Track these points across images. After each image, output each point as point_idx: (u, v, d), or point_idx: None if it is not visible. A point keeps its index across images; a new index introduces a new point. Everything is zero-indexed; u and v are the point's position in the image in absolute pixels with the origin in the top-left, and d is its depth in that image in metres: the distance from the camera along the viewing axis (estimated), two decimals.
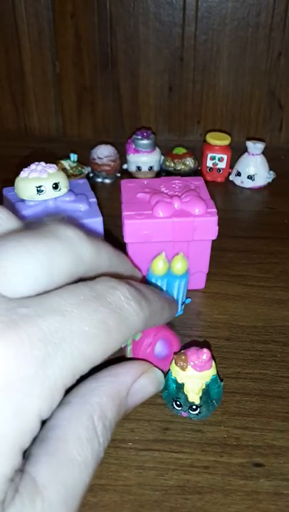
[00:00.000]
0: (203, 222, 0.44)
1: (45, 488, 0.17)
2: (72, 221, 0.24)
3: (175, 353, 0.35)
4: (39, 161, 0.45)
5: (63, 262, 0.20)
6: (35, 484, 0.17)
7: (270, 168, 0.68)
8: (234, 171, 0.69)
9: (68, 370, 0.18)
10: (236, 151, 0.69)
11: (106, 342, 0.19)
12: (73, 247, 0.21)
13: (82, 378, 0.20)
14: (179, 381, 0.34)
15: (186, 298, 0.45)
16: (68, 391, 0.21)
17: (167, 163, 0.68)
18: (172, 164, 0.67)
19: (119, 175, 0.69)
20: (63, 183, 0.44)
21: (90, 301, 0.20)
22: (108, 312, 0.20)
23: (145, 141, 0.67)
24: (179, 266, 0.42)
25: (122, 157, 0.70)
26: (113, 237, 0.50)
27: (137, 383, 0.24)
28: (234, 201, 0.66)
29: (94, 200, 0.46)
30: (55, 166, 0.44)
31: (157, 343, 0.31)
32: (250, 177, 0.67)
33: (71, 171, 0.64)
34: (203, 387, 0.34)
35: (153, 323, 0.24)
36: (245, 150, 0.67)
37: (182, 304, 0.45)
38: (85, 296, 0.20)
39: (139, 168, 0.68)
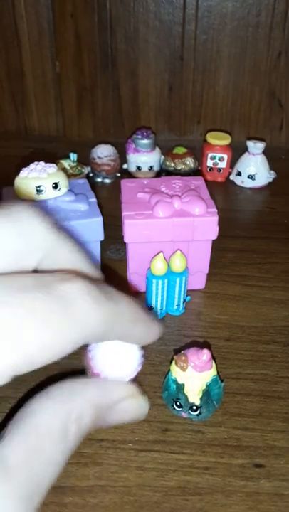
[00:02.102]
0: (203, 222, 0.43)
1: (13, 471, 0.17)
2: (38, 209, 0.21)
3: (175, 354, 0.35)
4: (39, 160, 0.45)
5: (8, 240, 0.18)
6: (5, 464, 0.17)
7: (271, 168, 0.68)
8: (234, 171, 0.69)
9: None
10: (237, 151, 0.68)
11: (47, 339, 0.17)
12: (25, 229, 0.19)
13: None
14: (179, 382, 0.34)
15: (186, 296, 0.45)
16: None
17: (167, 163, 0.68)
18: (172, 164, 0.67)
19: (119, 175, 0.69)
20: (63, 182, 0.44)
21: (29, 290, 0.17)
22: (50, 302, 0.17)
23: (145, 141, 0.67)
24: (177, 263, 0.42)
25: (122, 157, 0.70)
26: (113, 237, 0.50)
27: (120, 404, 0.23)
28: (234, 201, 0.66)
29: (94, 200, 0.46)
30: (54, 165, 0.44)
31: None
32: (250, 177, 0.67)
33: (71, 171, 0.64)
34: (204, 387, 0.34)
35: (120, 333, 0.22)
36: (245, 150, 0.67)
37: (183, 302, 0.45)
38: (26, 284, 0.17)
39: (139, 168, 0.68)
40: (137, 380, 0.40)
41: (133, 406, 0.24)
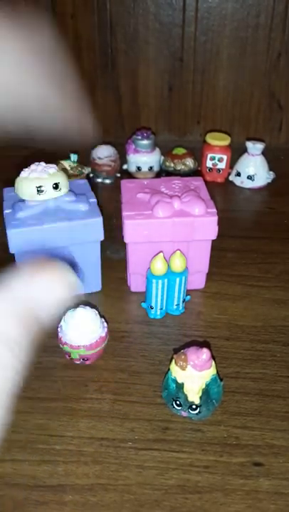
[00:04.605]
0: (203, 222, 0.44)
1: None
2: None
3: (175, 353, 0.35)
4: (39, 161, 0.45)
5: None
6: None
7: (270, 169, 0.68)
8: (234, 172, 0.69)
9: None
10: (236, 152, 0.69)
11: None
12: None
13: None
14: (179, 381, 0.34)
15: (186, 295, 0.45)
16: None
17: (167, 164, 0.68)
18: (172, 164, 0.67)
19: (119, 175, 0.69)
20: (63, 183, 0.44)
21: None
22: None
23: (145, 142, 0.67)
24: (177, 263, 0.42)
25: (122, 157, 0.70)
26: (113, 237, 0.50)
27: (47, 293, 0.21)
28: (234, 201, 0.66)
29: (94, 200, 0.46)
30: (55, 166, 0.44)
31: None
32: (249, 177, 0.67)
33: (71, 171, 0.64)
34: (203, 386, 0.34)
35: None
36: (245, 150, 0.67)
37: (182, 302, 0.45)
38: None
39: (139, 169, 0.69)
40: (135, 378, 0.41)
41: (60, 285, 0.21)
